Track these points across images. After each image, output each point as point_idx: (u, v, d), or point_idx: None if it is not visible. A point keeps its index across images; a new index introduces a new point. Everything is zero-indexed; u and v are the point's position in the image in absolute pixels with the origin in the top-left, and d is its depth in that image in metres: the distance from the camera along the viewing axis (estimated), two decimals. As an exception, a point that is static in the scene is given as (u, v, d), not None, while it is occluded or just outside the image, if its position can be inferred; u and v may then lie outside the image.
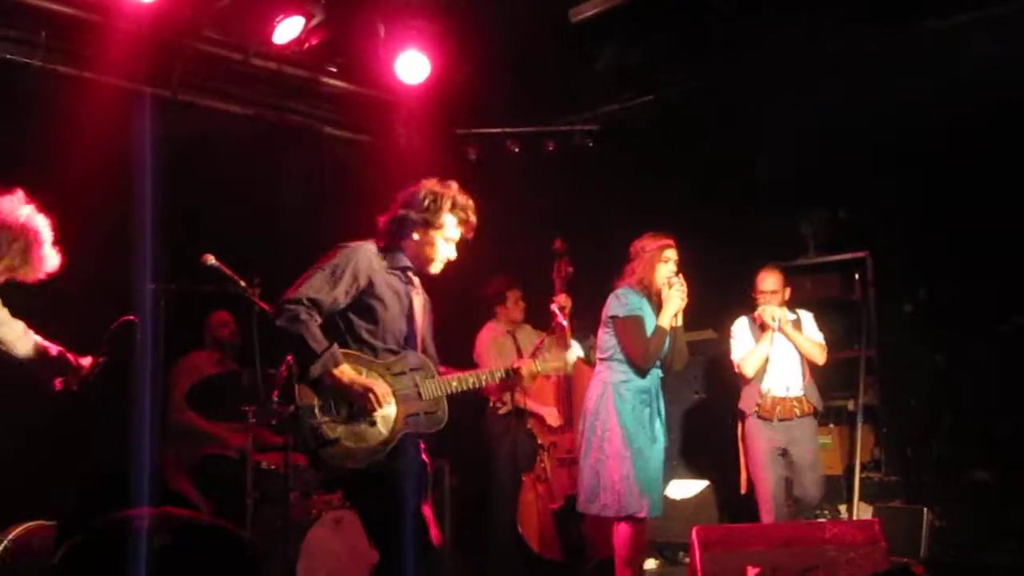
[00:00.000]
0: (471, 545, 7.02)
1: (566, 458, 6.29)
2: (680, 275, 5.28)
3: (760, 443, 6.05)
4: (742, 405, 6.20)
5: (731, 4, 6.11)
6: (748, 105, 6.97)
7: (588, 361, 6.58)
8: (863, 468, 6.86)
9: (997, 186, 6.43)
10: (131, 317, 4.78)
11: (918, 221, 6.89)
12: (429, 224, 4.05)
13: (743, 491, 6.18)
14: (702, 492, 7.09)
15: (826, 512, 6.86)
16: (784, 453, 6.05)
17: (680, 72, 6.96)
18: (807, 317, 6.35)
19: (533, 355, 4.48)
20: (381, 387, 3.88)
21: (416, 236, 4.06)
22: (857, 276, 7.26)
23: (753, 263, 6.45)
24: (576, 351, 4.53)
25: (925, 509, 6.34)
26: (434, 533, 4.00)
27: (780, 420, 6.05)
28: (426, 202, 4.04)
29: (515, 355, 6.61)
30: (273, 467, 5.60)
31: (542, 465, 6.38)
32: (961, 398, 6.70)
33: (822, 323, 6.42)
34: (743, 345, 6.25)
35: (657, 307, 5.28)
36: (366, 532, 4.05)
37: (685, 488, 7.06)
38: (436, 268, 4.15)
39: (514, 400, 6.27)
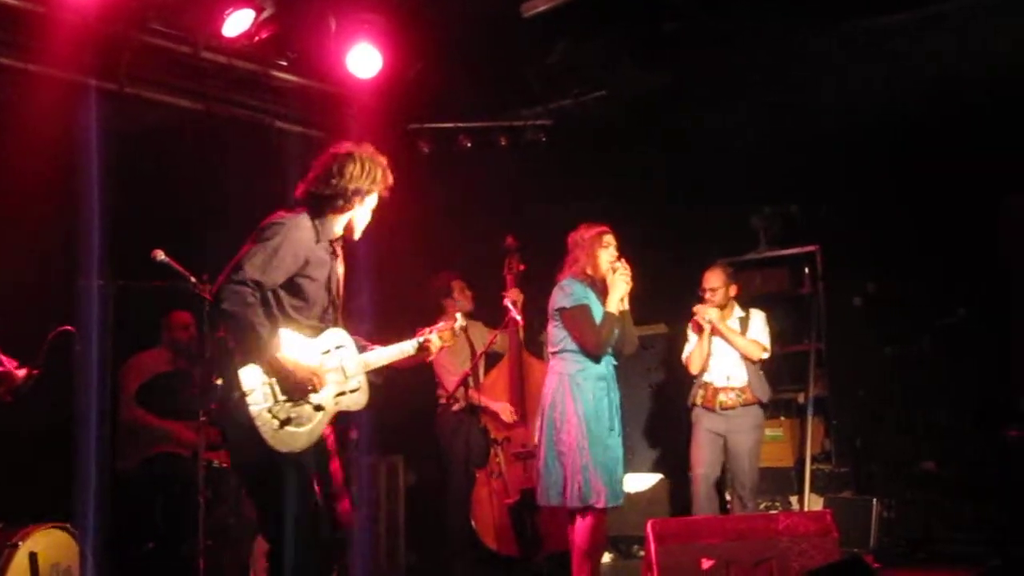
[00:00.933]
0: (426, 542, 7.00)
1: (520, 452, 6.28)
2: (622, 259, 5.27)
3: (701, 429, 6.27)
4: (690, 399, 6.37)
5: (687, 0, 6.14)
6: (701, 101, 7.01)
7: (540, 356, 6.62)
8: (814, 460, 6.95)
9: (944, 183, 6.53)
10: (67, 328, 4.72)
11: (867, 216, 6.98)
12: (365, 194, 4.01)
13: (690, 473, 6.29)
14: (656, 485, 7.13)
15: (777, 504, 6.94)
16: (724, 441, 6.20)
17: (633, 67, 6.97)
18: (757, 316, 6.43)
19: (431, 330, 4.44)
20: (320, 369, 3.85)
21: (350, 209, 4.00)
22: (807, 270, 7.36)
23: (705, 258, 6.51)
24: (461, 322, 4.60)
25: (875, 500, 6.45)
26: (345, 506, 4.02)
27: (723, 409, 6.22)
28: (364, 172, 3.97)
29: (468, 352, 6.58)
30: (225, 465, 5.54)
31: (496, 460, 6.37)
32: (909, 390, 6.80)
33: (772, 317, 6.49)
34: (691, 344, 6.43)
35: (602, 294, 5.27)
36: (266, 518, 3.93)
37: (640, 481, 7.10)
38: (359, 234, 4.14)
39: (467, 396, 6.25)
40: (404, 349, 4.27)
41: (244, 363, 3.69)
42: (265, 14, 6.03)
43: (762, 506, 6.91)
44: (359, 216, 4.06)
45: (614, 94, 7.27)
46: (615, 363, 5.33)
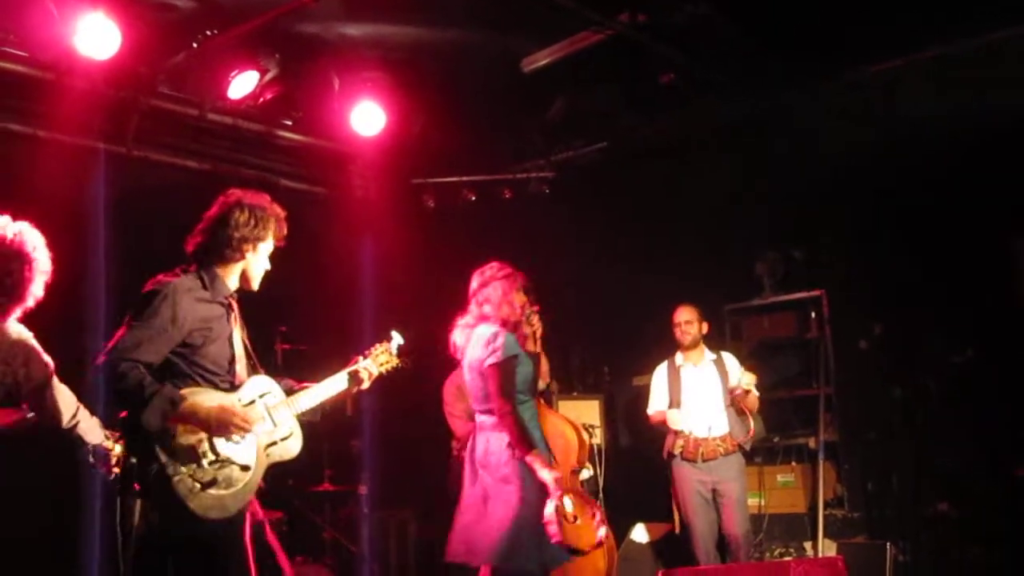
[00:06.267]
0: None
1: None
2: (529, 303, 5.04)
3: (689, 485, 6.15)
4: (667, 449, 6.28)
5: (681, 53, 6.22)
6: (700, 150, 7.08)
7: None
8: (826, 505, 6.90)
9: (946, 224, 6.55)
10: None
11: (872, 258, 7.00)
12: (254, 242, 3.83)
13: (676, 531, 6.21)
14: (666, 536, 7.08)
15: (791, 550, 6.89)
16: (713, 492, 6.12)
17: (632, 119, 7.06)
18: (731, 360, 6.39)
19: (365, 355, 4.29)
20: (239, 410, 3.67)
21: (243, 256, 3.82)
22: (813, 314, 7.34)
23: (709, 305, 6.52)
24: (397, 339, 4.39)
25: (888, 544, 6.38)
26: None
27: (704, 460, 6.12)
28: (251, 220, 3.81)
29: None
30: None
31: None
32: (918, 431, 6.77)
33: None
34: (658, 400, 6.36)
35: None
36: None
37: (649, 532, 7.05)
38: (257, 284, 3.95)
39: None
40: (336, 382, 4.09)
41: (155, 431, 3.49)
42: (269, 75, 6.14)
43: (776, 552, 6.87)
44: (253, 266, 3.87)
45: (614, 145, 7.35)
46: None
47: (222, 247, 3.77)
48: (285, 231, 3.94)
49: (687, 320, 6.27)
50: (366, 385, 4.19)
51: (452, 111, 6.87)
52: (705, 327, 6.36)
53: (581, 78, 6.59)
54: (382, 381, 4.35)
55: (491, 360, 4.60)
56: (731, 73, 6.42)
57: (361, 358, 4.25)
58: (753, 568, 5.44)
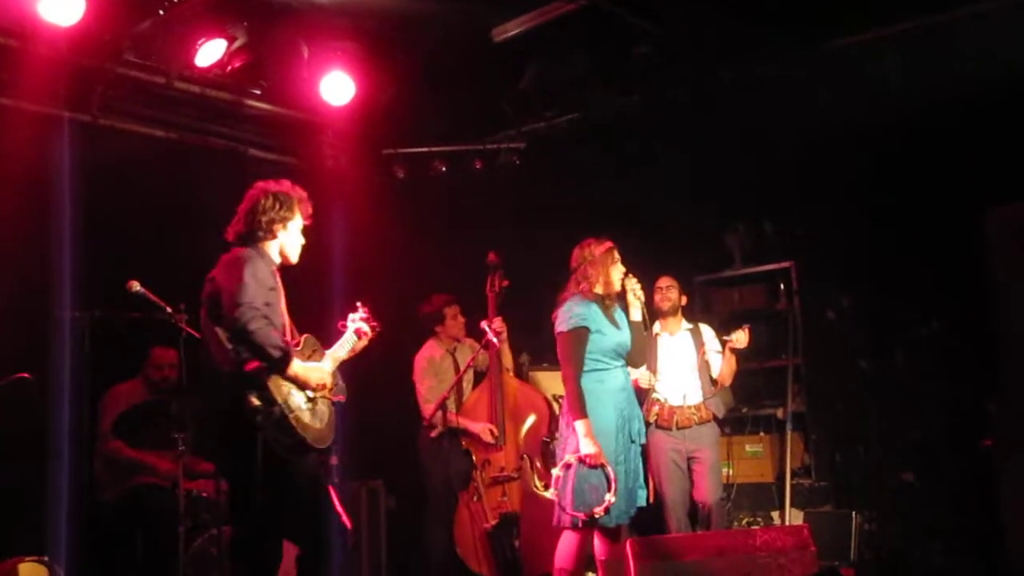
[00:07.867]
0: (408, 566, 6.99)
1: (499, 476, 6.23)
2: (630, 274, 5.17)
3: (663, 454, 6.15)
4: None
5: (654, 23, 6.20)
6: (672, 121, 7.07)
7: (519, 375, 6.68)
8: (794, 475, 6.97)
9: (915, 197, 6.60)
10: (23, 375, 4.81)
11: (841, 231, 7.04)
12: (281, 222, 4.38)
13: (651, 500, 6.24)
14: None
15: (759, 519, 6.97)
16: (688, 460, 6.14)
17: (604, 90, 7.04)
18: (708, 331, 6.39)
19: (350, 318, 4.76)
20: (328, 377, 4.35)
21: (275, 235, 4.38)
22: (782, 286, 7.38)
23: (680, 277, 6.54)
24: (360, 312, 4.75)
25: (854, 513, 6.47)
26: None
27: (679, 428, 6.14)
28: (276, 203, 4.37)
29: (453, 375, 6.57)
30: (205, 494, 5.53)
31: (475, 484, 6.33)
32: (884, 402, 6.85)
33: (750, 333, 6.51)
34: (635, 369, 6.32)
35: (608, 309, 5.12)
36: (304, 516, 4.25)
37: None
38: (296, 257, 4.50)
39: (445, 420, 6.25)
40: (351, 340, 4.62)
41: (272, 376, 4.09)
42: (237, 43, 6.06)
43: (744, 521, 6.94)
44: (288, 242, 4.43)
45: (585, 116, 7.34)
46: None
47: (256, 231, 4.34)
48: (310, 209, 4.48)
49: (668, 285, 6.31)
50: (368, 333, 4.67)
51: (422, 81, 6.83)
52: (684, 299, 6.39)
53: (553, 48, 6.56)
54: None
55: (558, 328, 4.99)
56: (704, 44, 6.41)
57: (349, 317, 4.70)
58: (719, 536, 5.48)
